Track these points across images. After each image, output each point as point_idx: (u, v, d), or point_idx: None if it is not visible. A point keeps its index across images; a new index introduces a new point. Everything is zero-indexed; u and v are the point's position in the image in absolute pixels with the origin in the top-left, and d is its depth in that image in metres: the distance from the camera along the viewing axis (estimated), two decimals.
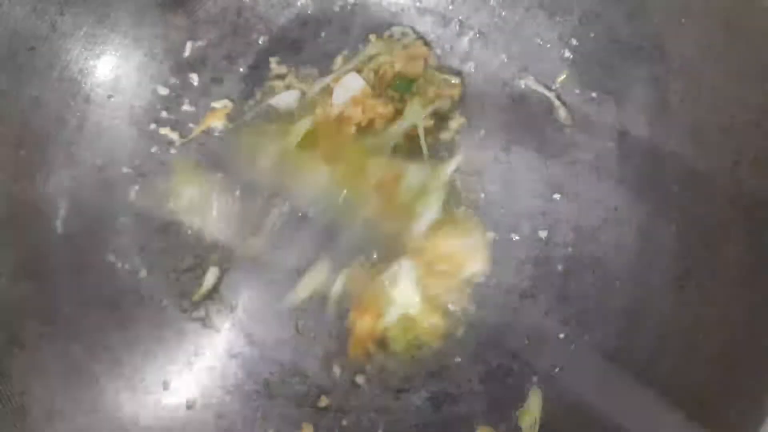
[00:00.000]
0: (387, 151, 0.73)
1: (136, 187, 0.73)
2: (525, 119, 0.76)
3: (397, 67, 0.75)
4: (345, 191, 0.70)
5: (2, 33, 0.63)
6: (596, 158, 0.73)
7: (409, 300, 0.71)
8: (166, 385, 0.69)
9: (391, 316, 0.70)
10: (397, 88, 0.74)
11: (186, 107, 0.75)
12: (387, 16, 0.77)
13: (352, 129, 0.73)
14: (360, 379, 0.71)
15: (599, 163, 0.72)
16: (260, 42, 0.77)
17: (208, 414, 0.69)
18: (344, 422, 0.70)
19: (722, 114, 0.60)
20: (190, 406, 0.69)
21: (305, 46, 0.78)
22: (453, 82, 0.75)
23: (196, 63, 0.75)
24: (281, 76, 0.76)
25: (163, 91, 0.74)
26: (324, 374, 0.71)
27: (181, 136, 0.75)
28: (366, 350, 0.71)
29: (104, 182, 0.72)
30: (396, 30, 0.77)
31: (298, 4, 0.77)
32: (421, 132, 0.73)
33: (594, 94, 0.72)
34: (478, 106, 0.77)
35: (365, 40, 0.77)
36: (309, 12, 0.77)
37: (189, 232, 0.73)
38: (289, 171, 0.72)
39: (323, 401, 0.70)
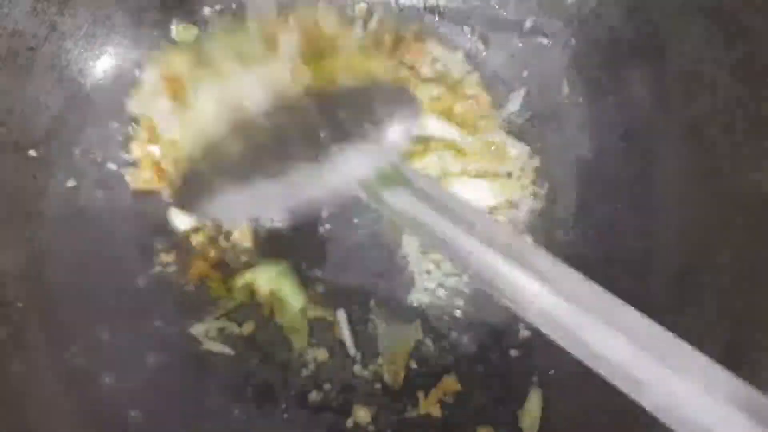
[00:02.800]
0: None
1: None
2: (525, 119, 0.76)
3: None
4: None
5: (2, 33, 0.63)
6: (596, 158, 0.73)
7: None
8: (166, 385, 0.69)
9: None
10: None
11: None
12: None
13: None
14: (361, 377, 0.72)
15: (599, 162, 0.73)
16: None
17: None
18: (347, 423, 0.71)
19: (722, 114, 0.60)
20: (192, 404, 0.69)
21: None
22: None
23: None
24: None
25: None
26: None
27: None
28: None
29: (104, 182, 0.72)
30: None
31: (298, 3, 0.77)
32: None
33: (594, 94, 0.72)
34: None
35: None
36: None
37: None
38: None
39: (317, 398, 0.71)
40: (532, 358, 0.71)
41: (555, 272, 0.47)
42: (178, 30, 0.73)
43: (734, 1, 0.58)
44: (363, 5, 0.77)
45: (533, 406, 0.69)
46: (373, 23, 0.76)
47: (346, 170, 0.53)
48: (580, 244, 0.73)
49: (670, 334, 0.42)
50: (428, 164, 0.72)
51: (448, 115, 0.74)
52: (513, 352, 0.72)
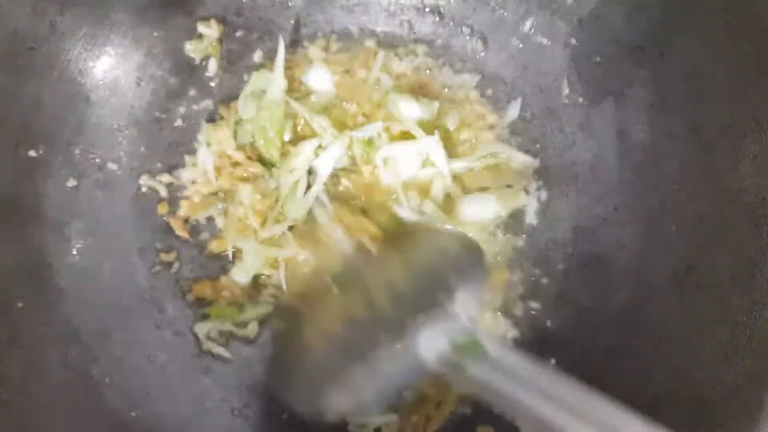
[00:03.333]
0: None
1: (136, 188, 0.73)
2: (525, 119, 0.76)
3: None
4: None
5: (2, 33, 0.62)
6: (596, 158, 0.73)
7: None
8: (166, 385, 0.69)
9: None
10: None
11: (185, 108, 0.75)
12: (386, 15, 0.78)
13: None
14: None
15: (599, 163, 0.73)
16: (259, 42, 0.77)
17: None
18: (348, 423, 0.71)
19: (722, 113, 0.60)
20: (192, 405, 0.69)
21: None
22: None
23: (196, 63, 0.75)
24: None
25: (163, 91, 0.74)
26: None
27: (181, 135, 0.75)
28: None
29: (104, 182, 0.72)
30: None
31: (298, 4, 0.77)
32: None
33: (594, 94, 0.73)
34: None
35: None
36: (308, 13, 0.77)
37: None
38: None
39: None
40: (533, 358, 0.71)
41: None
42: (193, 45, 0.74)
43: (734, 1, 0.58)
44: (372, 43, 0.78)
45: None
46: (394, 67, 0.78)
47: (425, 348, 0.53)
48: (580, 245, 0.73)
49: None
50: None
51: (453, 145, 0.75)
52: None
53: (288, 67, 0.73)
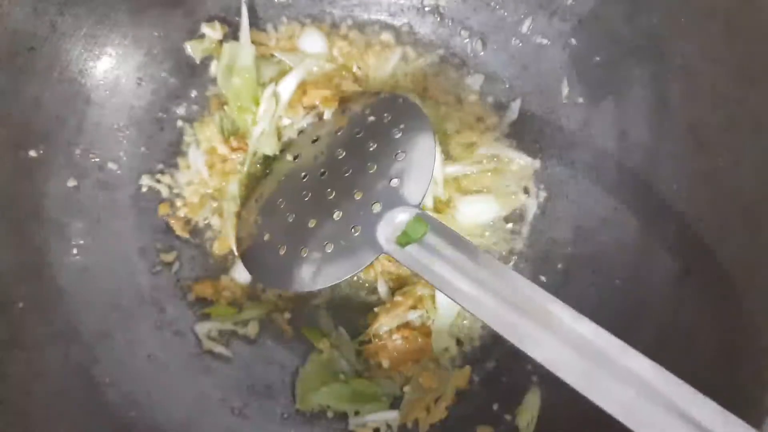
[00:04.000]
0: None
1: (136, 188, 0.73)
2: (525, 119, 0.76)
3: None
4: None
5: (2, 33, 0.62)
6: (596, 158, 0.73)
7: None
8: (166, 385, 0.69)
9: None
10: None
11: (185, 108, 0.75)
12: (386, 16, 0.77)
13: None
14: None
15: (599, 163, 0.72)
16: None
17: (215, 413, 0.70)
18: (348, 423, 0.71)
19: (722, 114, 0.60)
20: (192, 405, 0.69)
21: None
22: None
23: (196, 63, 0.75)
24: None
25: (163, 91, 0.74)
26: None
27: (180, 136, 0.75)
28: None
29: (104, 182, 0.72)
30: None
31: (298, 4, 0.77)
32: None
33: (594, 94, 0.72)
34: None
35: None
36: (308, 12, 0.77)
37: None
38: None
39: None
40: (533, 358, 0.71)
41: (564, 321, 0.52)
42: (194, 45, 0.74)
43: (733, 1, 0.58)
44: (388, 36, 0.78)
45: (531, 405, 0.69)
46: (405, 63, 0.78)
47: (380, 233, 0.58)
48: (580, 245, 0.73)
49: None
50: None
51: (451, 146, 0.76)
52: (513, 352, 0.72)
53: None
